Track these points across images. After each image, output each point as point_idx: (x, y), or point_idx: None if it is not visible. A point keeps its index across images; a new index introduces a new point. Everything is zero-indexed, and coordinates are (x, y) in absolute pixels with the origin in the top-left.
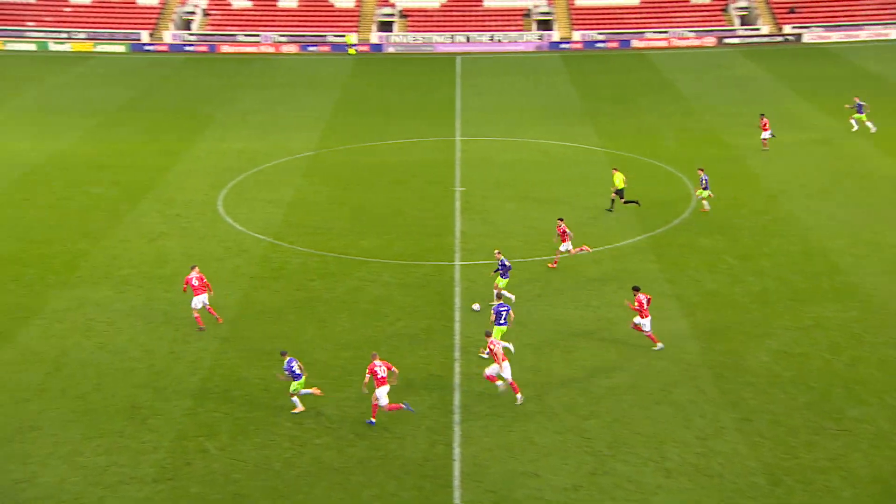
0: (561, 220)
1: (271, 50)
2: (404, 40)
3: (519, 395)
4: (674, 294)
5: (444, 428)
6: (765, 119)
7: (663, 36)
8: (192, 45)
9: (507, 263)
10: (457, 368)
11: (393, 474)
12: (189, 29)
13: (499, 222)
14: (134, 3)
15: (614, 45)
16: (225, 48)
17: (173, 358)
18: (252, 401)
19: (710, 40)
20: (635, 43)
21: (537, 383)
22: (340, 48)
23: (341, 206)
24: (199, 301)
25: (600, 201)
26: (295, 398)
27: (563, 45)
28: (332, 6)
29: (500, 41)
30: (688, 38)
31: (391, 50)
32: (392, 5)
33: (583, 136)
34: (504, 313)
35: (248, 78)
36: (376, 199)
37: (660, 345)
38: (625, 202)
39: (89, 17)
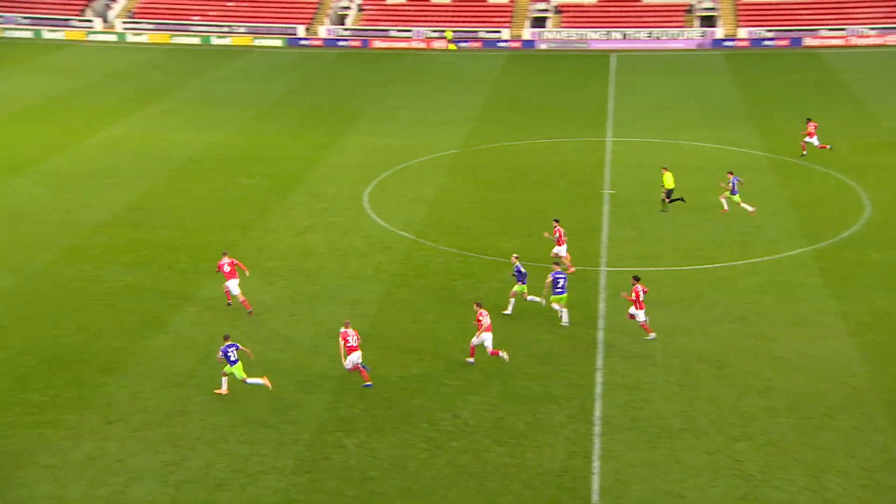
0: (557, 221)
1: (423, 45)
2: (557, 36)
3: (504, 354)
4: (840, 312)
5: (583, 439)
6: (812, 124)
7: (840, 34)
8: (345, 39)
9: (521, 269)
10: (598, 378)
11: (529, 483)
12: (343, 24)
13: (648, 228)
14: None
15: (784, 43)
16: (377, 43)
17: (315, 351)
18: (389, 399)
19: (893, 38)
20: (808, 41)
21: (684, 398)
22: (491, 44)
23: (485, 205)
24: (234, 285)
25: (760, 209)
26: (224, 378)
27: (728, 43)
28: (485, 2)
29: (658, 38)
30: (868, 37)
31: (543, 46)
32: (547, 0)
33: (745, 141)
34: (562, 280)
35: (399, 73)
36: (520, 199)
37: (652, 334)
38: (669, 200)
39: (250, 11)
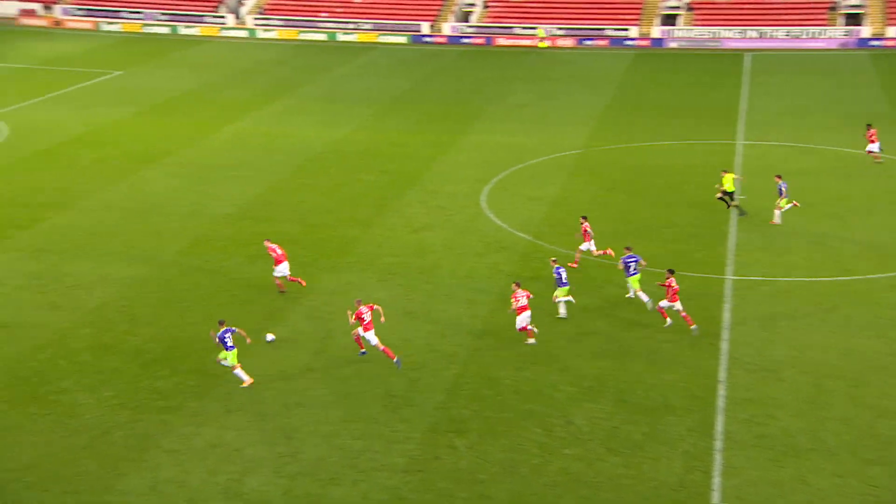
0: (584, 218)
1: (547, 43)
2: (688, 35)
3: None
4: None
5: (702, 454)
6: (872, 130)
7: None
8: (469, 36)
9: (561, 274)
10: (721, 391)
11: (644, 496)
12: (467, 21)
13: (779, 235)
14: None
15: None
16: (501, 41)
17: (429, 350)
18: (502, 402)
19: None
20: None
21: (813, 416)
22: (618, 42)
23: (606, 207)
24: (281, 270)
25: None
26: (238, 371)
27: (875, 43)
28: None
29: (798, 37)
30: None
31: (673, 45)
32: None
33: (892, 147)
34: (633, 264)
35: (522, 71)
36: (643, 203)
37: (694, 327)
38: (728, 206)
39: (375, 8)
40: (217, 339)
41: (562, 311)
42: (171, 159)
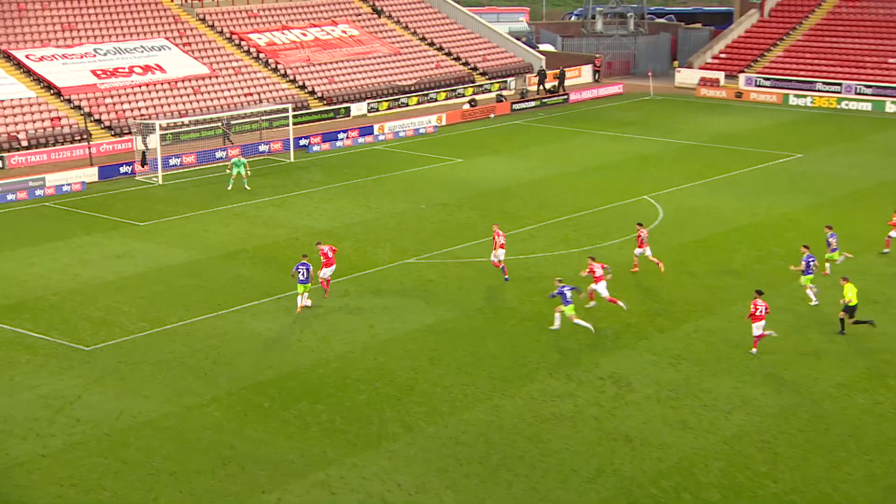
0: (640, 224)
1: None
2: None
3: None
4: None
5: None
6: None
7: None
8: None
9: (565, 292)
10: None
11: None
12: None
13: None
14: None
15: None
16: None
17: None
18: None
19: None
20: None
21: None
22: None
23: None
24: (327, 272)
25: None
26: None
27: None
28: None
29: None
30: None
31: None
32: None
33: None
34: (811, 262)
35: None
36: None
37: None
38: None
39: None
40: (294, 270)
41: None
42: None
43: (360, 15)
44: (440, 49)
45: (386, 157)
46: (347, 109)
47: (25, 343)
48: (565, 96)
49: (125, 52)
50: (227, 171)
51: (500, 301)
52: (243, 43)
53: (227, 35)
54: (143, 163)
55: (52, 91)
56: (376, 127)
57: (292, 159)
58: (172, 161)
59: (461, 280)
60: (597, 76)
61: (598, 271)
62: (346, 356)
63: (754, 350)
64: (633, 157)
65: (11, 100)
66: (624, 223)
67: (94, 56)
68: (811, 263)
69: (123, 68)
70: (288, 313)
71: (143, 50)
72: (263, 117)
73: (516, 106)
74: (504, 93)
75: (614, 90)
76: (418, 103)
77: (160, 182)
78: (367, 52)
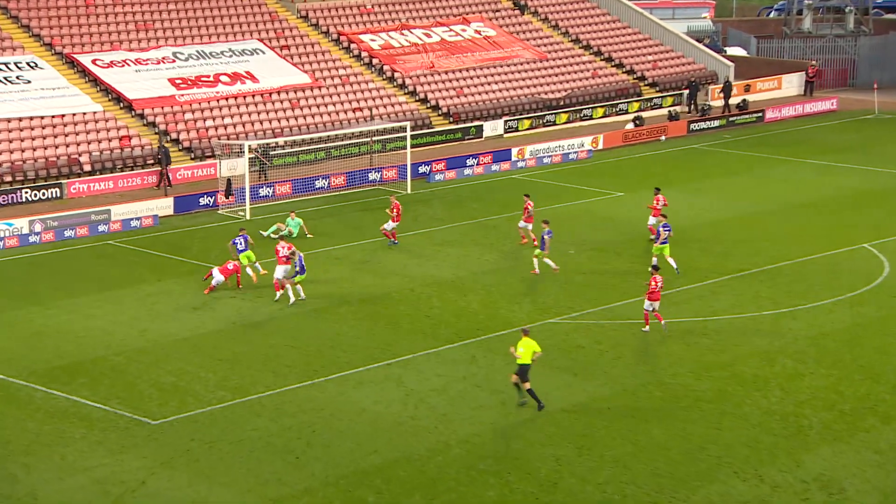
0: (527, 196)
1: None
2: None
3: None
4: None
5: None
6: None
7: None
8: None
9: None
10: None
11: None
12: None
13: None
14: None
15: None
16: None
17: None
18: None
19: None
20: None
21: None
22: None
23: None
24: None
25: None
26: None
27: None
28: None
29: None
30: None
31: None
32: None
33: None
34: None
35: None
36: None
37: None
38: None
39: None
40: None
41: None
42: None
43: (498, 11)
44: (598, 54)
45: (526, 188)
46: (479, 129)
47: (80, 414)
48: (749, 115)
49: (210, 56)
50: (269, 233)
51: (668, 375)
52: (353, 46)
53: (334, 36)
54: (228, 193)
55: (121, 104)
56: (515, 151)
57: (409, 190)
58: (263, 191)
59: (619, 346)
60: (809, 89)
61: None
62: (472, 440)
63: (646, 328)
64: (850, 194)
65: (74, 115)
66: (835, 278)
67: (174, 61)
68: None
69: (207, 76)
70: (399, 384)
71: (232, 54)
72: (375, 138)
73: (694, 126)
74: (678, 108)
75: (825, 106)
76: (568, 121)
77: (247, 217)
78: (505, 58)
